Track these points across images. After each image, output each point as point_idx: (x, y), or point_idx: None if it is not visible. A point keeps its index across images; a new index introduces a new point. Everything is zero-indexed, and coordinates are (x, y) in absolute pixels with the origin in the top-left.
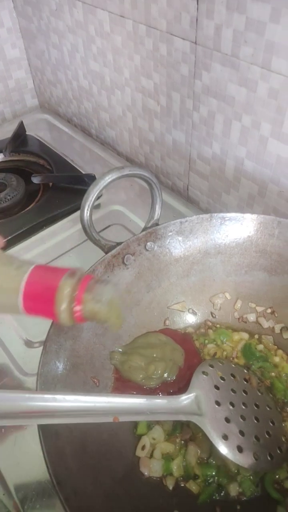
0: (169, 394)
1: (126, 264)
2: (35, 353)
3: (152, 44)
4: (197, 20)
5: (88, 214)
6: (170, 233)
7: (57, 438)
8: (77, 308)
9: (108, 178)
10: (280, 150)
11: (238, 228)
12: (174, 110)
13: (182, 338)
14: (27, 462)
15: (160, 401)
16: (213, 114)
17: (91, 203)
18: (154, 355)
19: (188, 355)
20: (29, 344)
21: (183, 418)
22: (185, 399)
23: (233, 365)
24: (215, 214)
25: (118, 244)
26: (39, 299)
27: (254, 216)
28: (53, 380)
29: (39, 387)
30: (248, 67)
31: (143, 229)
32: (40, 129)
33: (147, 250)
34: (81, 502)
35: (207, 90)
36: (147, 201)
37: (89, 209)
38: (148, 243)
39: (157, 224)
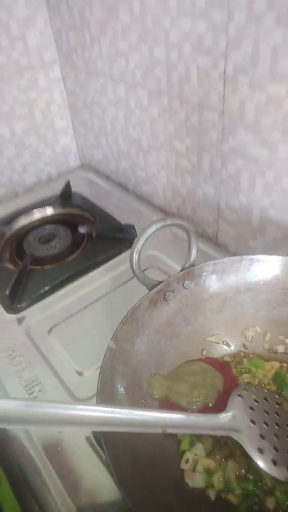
0: None
1: (167, 300)
2: (86, 381)
3: (184, 115)
4: (224, 96)
5: (137, 258)
6: (205, 273)
7: (115, 448)
8: None
9: (154, 227)
10: None
11: (265, 268)
12: (204, 168)
13: (221, 366)
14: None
15: (201, 418)
16: (239, 171)
17: (140, 248)
18: (197, 382)
19: (227, 382)
20: (80, 373)
21: (222, 433)
22: (224, 417)
23: (265, 390)
24: (244, 256)
25: (160, 282)
26: None
27: (279, 257)
28: (109, 399)
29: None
30: (269, 133)
31: (181, 270)
32: (81, 186)
33: (185, 287)
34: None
35: (234, 152)
36: (179, 245)
37: (137, 253)
38: (186, 282)
39: (193, 265)
